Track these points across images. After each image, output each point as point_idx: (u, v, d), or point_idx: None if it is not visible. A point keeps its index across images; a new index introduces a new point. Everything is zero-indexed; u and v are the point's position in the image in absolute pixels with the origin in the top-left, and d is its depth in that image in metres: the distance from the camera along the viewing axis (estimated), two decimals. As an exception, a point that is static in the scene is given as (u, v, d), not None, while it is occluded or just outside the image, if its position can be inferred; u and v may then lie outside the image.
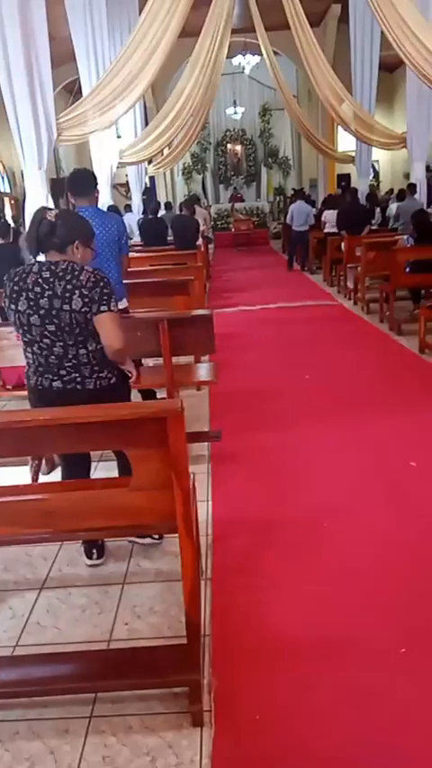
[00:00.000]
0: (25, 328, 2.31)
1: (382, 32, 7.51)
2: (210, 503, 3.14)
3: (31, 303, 2.25)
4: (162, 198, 16.37)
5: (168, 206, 12.41)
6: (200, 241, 9.39)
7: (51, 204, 5.60)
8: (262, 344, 6.57)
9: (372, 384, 4.93)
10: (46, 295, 2.24)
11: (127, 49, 6.32)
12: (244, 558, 2.67)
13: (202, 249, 9.67)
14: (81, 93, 7.68)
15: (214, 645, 2.15)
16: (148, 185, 14.22)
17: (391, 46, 6.97)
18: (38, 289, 2.25)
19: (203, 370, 4.26)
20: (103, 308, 2.28)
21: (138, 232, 9.89)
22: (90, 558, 2.69)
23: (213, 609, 2.34)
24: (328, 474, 3.41)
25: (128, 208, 12.35)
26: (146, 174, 13.06)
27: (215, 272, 13.03)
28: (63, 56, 8.81)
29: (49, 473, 3.63)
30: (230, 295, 9.82)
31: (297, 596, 2.39)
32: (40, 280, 2.25)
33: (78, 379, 2.37)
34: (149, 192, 13.88)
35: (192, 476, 2.40)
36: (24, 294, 2.26)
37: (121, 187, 14.96)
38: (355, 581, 2.46)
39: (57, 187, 10.61)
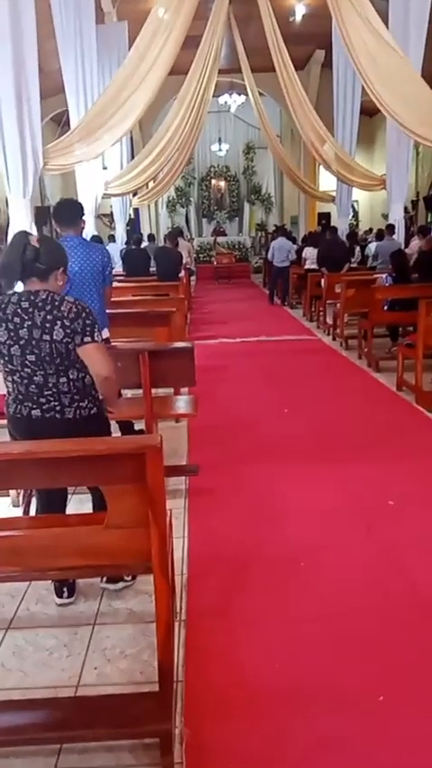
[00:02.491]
0: (6, 358, 2.28)
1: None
2: (186, 540, 3.06)
3: (11, 334, 2.22)
4: (146, 229, 16.54)
5: (151, 238, 12.53)
6: (182, 273, 9.46)
7: (35, 232, 5.59)
8: (241, 377, 6.56)
9: (350, 420, 4.94)
10: (25, 325, 2.21)
11: (115, 83, 6.43)
12: (220, 598, 2.60)
13: (185, 281, 9.73)
14: (69, 124, 7.78)
15: (187, 691, 2.06)
16: (133, 216, 14.35)
17: (372, 92, 7.21)
18: (17, 319, 2.22)
19: (183, 403, 4.22)
20: (86, 338, 2.25)
21: (120, 262, 9.94)
22: (60, 596, 2.59)
23: (187, 653, 2.25)
24: (306, 511, 3.37)
25: (111, 238, 12.44)
26: (130, 205, 13.21)
27: (196, 303, 13.10)
28: (52, 88, 8.94)
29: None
30: (211, 327, 9.86)
31: (273, 639, 2.32)
32: (19, 310, 2.22)
33: (58, 408, 2.33)
34: (133, 224, 14.01)
35: (168, 512, 2.34)
36: (4, 325, 2.23)
37: (105, 217, 15.08)
38: (332, 622, 2.40)
39: (41, 215, 10.65)
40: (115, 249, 11.08)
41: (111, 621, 2.47)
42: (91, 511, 2.69)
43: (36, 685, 2.13)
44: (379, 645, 2.27)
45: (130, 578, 2.67)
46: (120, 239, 12.24)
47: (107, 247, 6.29)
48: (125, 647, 2.31)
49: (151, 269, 9.32)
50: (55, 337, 2.21)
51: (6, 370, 2.32)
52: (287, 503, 3.48)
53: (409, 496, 3.49)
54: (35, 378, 2.28)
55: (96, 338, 2.28)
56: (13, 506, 3.53)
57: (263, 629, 2.39)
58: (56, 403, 2.32)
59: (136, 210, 16.32)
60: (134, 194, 12.42)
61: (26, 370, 2.27)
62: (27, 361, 2.25)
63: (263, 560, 2.87)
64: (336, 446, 4.32)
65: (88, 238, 5.89)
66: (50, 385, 2.29)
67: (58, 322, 2.21)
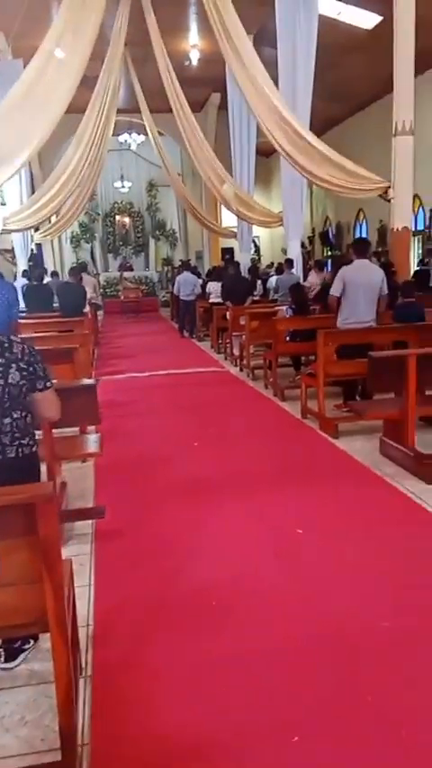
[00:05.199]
0: None
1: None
2: (92, 588, 2.92)
3: None
4: (49, 265, 16.22)
5: (55, 274, 12.29)
6: (87, 308, 9.33)
7: None
8: (151, 411, 6.49)
9: (258, 451, 4.99)
10: None
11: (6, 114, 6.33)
12: (129, 648, 2.47)
13: (90, 316, 9.59)
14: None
15: (93, 755, 1.93)
16: (35, 252, 14.05)
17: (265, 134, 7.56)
18: None
19: (88, 442, 4.09)
20: (48, 383, 2.26)
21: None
22: None
23: (93, 711, 2.11)
24: (217, 546, 3.32)
25: (25, 273, 11.96)
26: (32, 240, 12.93)
27: (105, 338, 12.95)
28: None
29: None
30: (120, 361, 9.75)
31: (185, 690, 2.22)
32: None
33: None
34: (36, 259, 13.70)
35: (70, 561, 2.23)
36: None
37: (7, 253, 14.66)
38: (245, 662, 2.34)
39: None
40: (17, 285, 10.74)
41: (8, 685, 2.28)
42: None
43: None
44: (290, 681, 2.23)
45: (30, 644, 2.47)
46: (21, 275, 11.89)
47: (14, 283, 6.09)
48: (25, 713, 2.13)
49: (54, 305, 9.12)
50: (10, 381, 2.13)
51: None
52: (197, 540, 3.42)
53: (317, 523, 3.54)
54: None
55: (53, 381, 2.28)
56: None
57: (174, 679, 2.28)
58: None
59: (38, 246, 16.01)
60: (36, 229, 12.18)
61: None
62: None
63: (173, 603, 2.78)
64: (245, 477, 4.33)
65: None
66: None
67: (13, 365, 2.14)
